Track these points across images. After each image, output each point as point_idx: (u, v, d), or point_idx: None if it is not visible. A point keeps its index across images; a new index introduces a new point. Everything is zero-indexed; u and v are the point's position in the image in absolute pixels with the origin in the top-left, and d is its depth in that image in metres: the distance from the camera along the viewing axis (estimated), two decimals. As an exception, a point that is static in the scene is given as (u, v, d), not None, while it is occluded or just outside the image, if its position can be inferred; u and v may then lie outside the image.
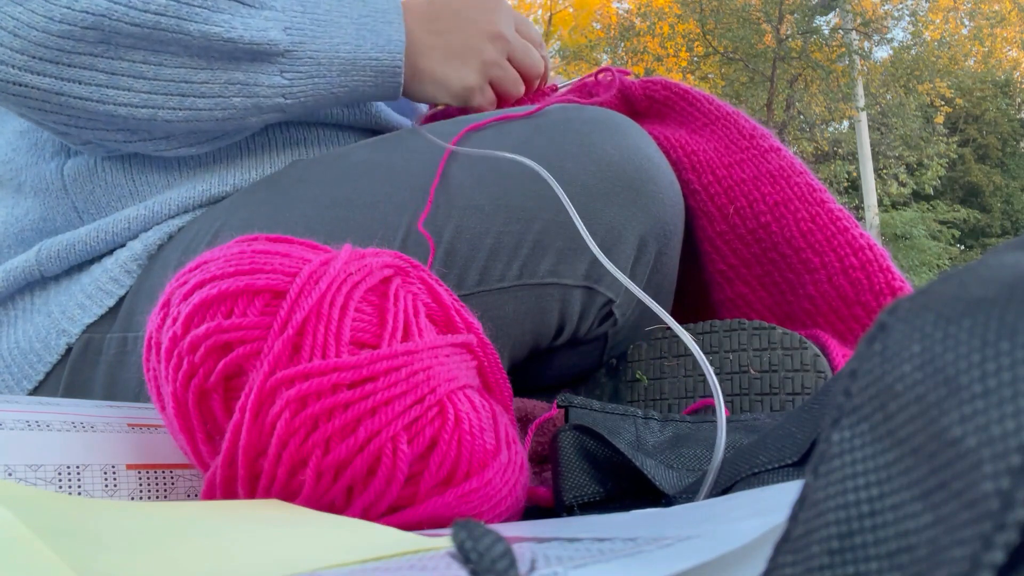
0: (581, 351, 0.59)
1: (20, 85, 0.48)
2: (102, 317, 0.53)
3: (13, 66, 0.48)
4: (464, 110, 0.65)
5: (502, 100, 0.65)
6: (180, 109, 0.51)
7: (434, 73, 0.60)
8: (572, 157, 0.52)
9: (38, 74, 0.48)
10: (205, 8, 0.50)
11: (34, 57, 0.48)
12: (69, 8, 0.47)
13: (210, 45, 0.50)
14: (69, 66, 0.48)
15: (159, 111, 0.50)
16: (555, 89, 0.70)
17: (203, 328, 0.32)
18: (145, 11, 0.48)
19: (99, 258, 0.56)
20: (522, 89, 0.65)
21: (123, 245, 0.55)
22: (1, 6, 0.47)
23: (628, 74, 0.68)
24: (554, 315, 0.54)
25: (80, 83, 0.49)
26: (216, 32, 0.50)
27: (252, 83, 0.52)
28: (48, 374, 0.53)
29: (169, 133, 0.53)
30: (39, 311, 0.55)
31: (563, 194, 0.46)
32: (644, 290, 0.58)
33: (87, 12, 0.47)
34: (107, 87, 0.49)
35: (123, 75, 0.49)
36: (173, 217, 0.56)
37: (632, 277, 0.55)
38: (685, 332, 0.38)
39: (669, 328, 0.57)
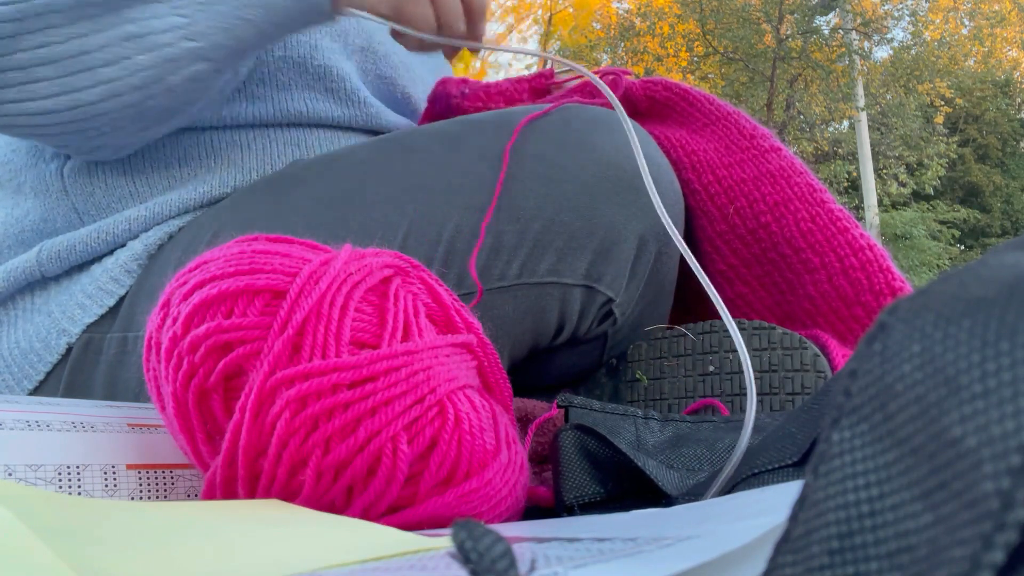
0: (581, 351, 0.59)
1: None
2: (102, 317, 0.53)
3: None
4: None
5: (441, 27, 0.57)
6: (94, 85, 0.48)
7: None
8: (573, 157, 0.52)
9: None
10: None
11: None
12: None
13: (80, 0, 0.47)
14: None
15: (78, 94, 0.48)
16: (550, 77, 0.69)
17: (203, 328, 0.32)
18: None
19: (99, 258, 0.56)
20: (462, 23, 0.57)
21: (123, 245, 0.55)
22: None
23: (628, 74, 0.68)
24: (554, 314, 0.54)
25: (5, 87, 0.47)
26: None
27: (148, 32, 0.49)
28: (48, 374, 0.53)
29: (104, 124, 0.50)
30: (39, 311, 0.55)
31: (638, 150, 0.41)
32: (644, 290, 0.58)
33: None
34: (27, 83, 0.48)
35: (31, 66, 0.47)
36: (173, 217, 0.56)
37: (632, 277, 0.55)
38: (735, 329, 0.38)
39: (670, 328, 0.57)
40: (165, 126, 0.54)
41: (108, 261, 0.55)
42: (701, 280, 0.41)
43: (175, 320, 0.33)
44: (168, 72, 0.50)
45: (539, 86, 0.70)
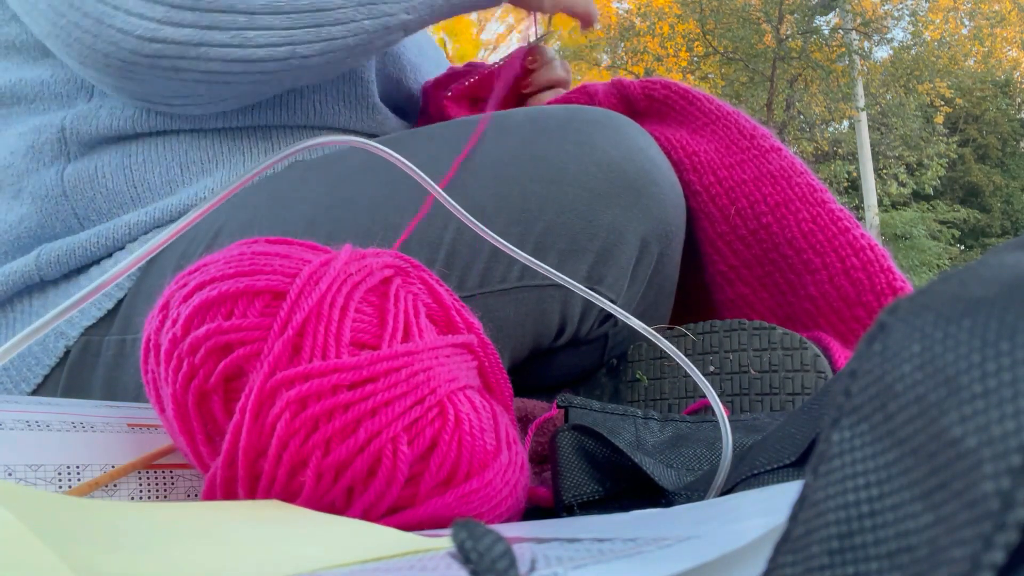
0: (582, 351, 0.59)
1: (159, 42, 0.47)
2: (100, 319, 0.53)
3: (153, 19, 0.46)
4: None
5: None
6: (317, 41, 0.50)
7: None
8: (574, 158, 0.52)
9: (178, 25, 0.47)
10: None
11: (174, 6, 0.46)
12: None
13: None
14: (209, 11, 0.47)
15: (297, 47, 0.50)
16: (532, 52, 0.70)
17: (203, 329, 0.32)
18: None
19: (98, 261, 0.55)
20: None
21: (122, 248, 0.55)
22: None
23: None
24: (555, 316, 0.54)
25: (220, 29, 0.47)
26: None
27: (381, 1, 0.52)
28: (46, 377, 0.53)
29: (297, 76, 0.52)
30: (37, 314, 0.55)
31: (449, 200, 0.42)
32: (646, 291, 0.58)
33: None
34: (247, 29, 0.48)
35: (262, 13, 0.48)
36: (173, 221, 0.56)
37: (634, 278, 0.55)
38: (650, 331, 0.38)
39: (670, 328, 0.57)
40: (327, 78, 0.57)
41: (107, 264, 0.54)
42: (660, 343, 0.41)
43: (175, 322, 0.33)
44: (378, 38, 0.53)
45: (524, 65, 0.70)
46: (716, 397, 0.37)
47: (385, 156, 0.35)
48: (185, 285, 0.34)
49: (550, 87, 0.72)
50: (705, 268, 0.63)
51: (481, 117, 0.55)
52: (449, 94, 0.69)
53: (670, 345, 0.37)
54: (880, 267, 0.54)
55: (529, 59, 0.71)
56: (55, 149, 0.56)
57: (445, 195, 0.39)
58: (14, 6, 0.52)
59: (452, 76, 0.72)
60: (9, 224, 0.57)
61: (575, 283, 0.40)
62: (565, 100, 0.68)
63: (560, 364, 0.60)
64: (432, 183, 0.38)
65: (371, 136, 0.66)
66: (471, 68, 0.72)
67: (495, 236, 0.38)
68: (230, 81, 0.51)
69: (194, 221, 0.32)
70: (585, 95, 0.67)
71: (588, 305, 0.54)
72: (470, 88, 0.70)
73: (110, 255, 0.55)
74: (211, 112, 0.56)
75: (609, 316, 0.56)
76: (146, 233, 0.55)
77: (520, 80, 0.72)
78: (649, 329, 0.39)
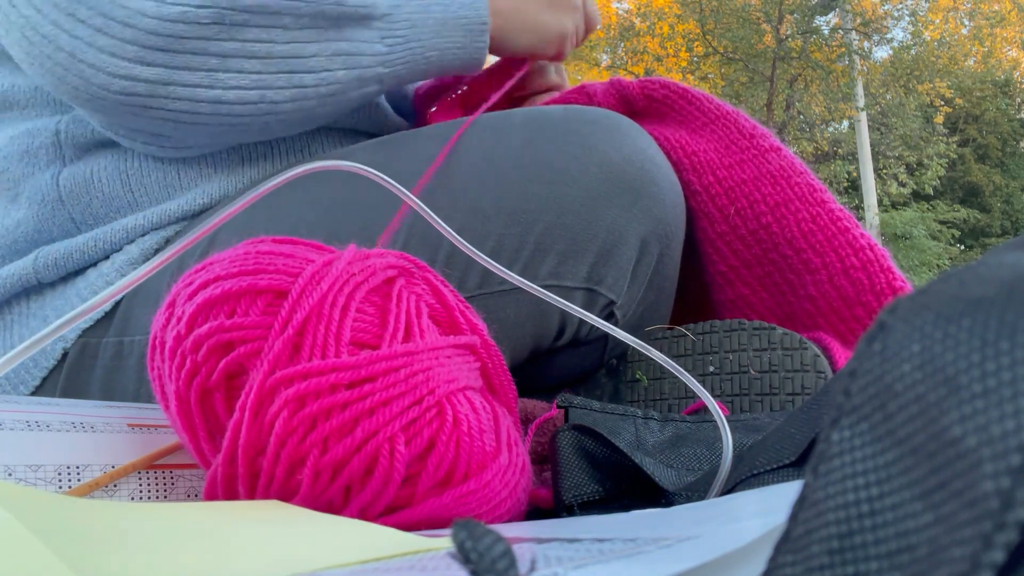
0: (582, 352, 0.59)
1: (128, 79, 0.47)
2: (98, 322, 0.53)
3: (124, 58, 0.46)
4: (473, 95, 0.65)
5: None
6: (288, 87, 0.50)
7: (532, 19, 0.62)
8: (574, 159, 0.52)
9: (148, 65, 0.46)
10: None
11: (146, 47, 0.46)
12: None
13: (320, 11, 0.50)
14: (181, 53, 0.47)
15: (268, 92, 0.50)
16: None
17: (206, 327, 0.32)
18: None
19: (95, 263, 0.55)
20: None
21: (120, 250, 0.55)
22: None
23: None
24: (555, 317, 0.54)
25: (191, 70, 0.47)
26: None
27: (356, 52, 0.52)
28: (44, 379, 0.53)
29: (267, 123, 0.52)
30: (35, 316, 0.55)
31: (419, 203, 0.43)
32: (645, 292, 0.58)
33: None
34: (218, 71, 0.48)
35: (235, 56, 0.48)
36: (171, 223, 0.56)
37: (634, 279, 0.55)
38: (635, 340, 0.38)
39: (670, 328, 0.57)
40: (298, 130, 0.56)
41: (104, 266, 0.54)
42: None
43: (179, 319, 0.33)
44: (352, 89, 0.53)
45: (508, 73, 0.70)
46: (712, 399, 0.37)
47: (357, 172, 0.36)
48: (190, 283, 0.34)
49: (544, 91, 0.72)
50: (705, 268, 0.63)
51: (470, 119, 0.55)
52: (434, 110, 0.69)
53: (658, 352, 0.37)
54: (880, 267, 0.54)
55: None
56: (50, 153, 0.56)
57: (416, 199, 0.39)
58: None
59: (440, 87, 0.72)
60: (6, 227, 0.57)
61: (535, 286, 0.41)
62: (564, 100, 0.68)
63: (560, 364, 0.60)
64: (403, 189, 0.39)
65: (374, 135, 0.66)
66: (459, 78, 0.71)
67: (462, 240, 0.38)
68: (198, 123, 0.50)
69: (194, 242, 0.32)
70: (584, 95, 0.67)
71: (588, 306, 0.54)
72: (458, 99, 0.70)
73: (107, 258, 0.55)
74: (172, 156, 0.55)
75: (609, 316, 0.56)
76: (144, 236, 0.55)
77: (513, 85, 0.72)
78: (631, 337, 0.39)
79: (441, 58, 0.57)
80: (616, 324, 0.57)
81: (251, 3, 0.48)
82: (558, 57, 0.67)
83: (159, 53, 0.47)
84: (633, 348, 0.57)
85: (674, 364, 0.39)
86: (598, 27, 0.70)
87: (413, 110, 0.74)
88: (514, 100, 0.73)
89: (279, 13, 0.49)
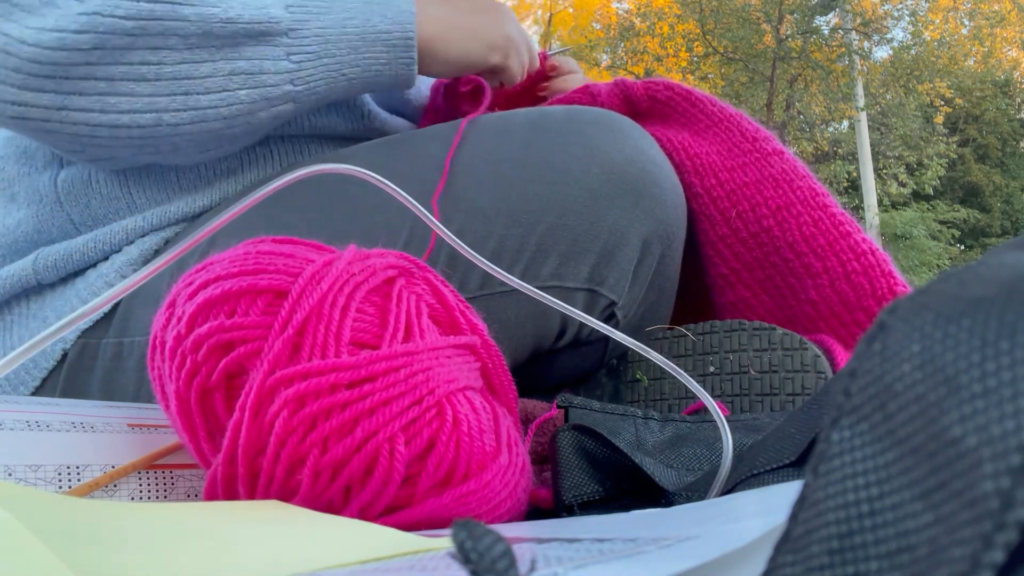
0: (582, 352, 0.59)
1: (20, 105, 0.46)
2: (98, 322, 0.53)
3: (11, 85, 0.46)
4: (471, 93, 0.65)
5: (504, 85, 0.66)
6: (184, 110, 0.49)
7: (472, 24, 0.59)
8: (576, 160, 0.52)
9: (37, 91, 0.46)
10: None
11: (31, 75, 0.46)
12: (62, 14, 0.45)
13: (209, 29, 0.48)
14: (67, 78, 0.46)
15: (163, 114, 0.48)
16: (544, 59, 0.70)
17: (206, 327, 0.32)
18: (137, 0, 0.46)
19: (95, 264, 0.55)
20: (520, 78, 0.66)
21: (119, 251, 0.55)
22: None
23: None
24: (556, 319, 0.54)
25: (81, 94, 0.47)
26: (213, 13, 0.48)
27: (257, 71, 0.50)
28: (44, 380, 0.53)
29: (175, 144, 0.51)
30: (35, 316, 0.55)
31: (415, 204, 0.42)
32: (646, 293, 0.58)
33: (80, 14, 0.45)
34: (108, 95, 0.47)
35: (123, 80, 0.47)
36: (171, 225, 0.56)
37: (635, 279, 0.55)
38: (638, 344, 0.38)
39: (671, 328, 0.57)
40: (219, 152, 0.55)
41: (104, 267, 0.54)
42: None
43: (180, 319, 0.33)
44: (260, 108, 0.51)
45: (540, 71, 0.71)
46: (712, 399, 0.37)
47: (358, 176, 0.36)
48: (191, 283, 0.34)
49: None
50: (706, 271, 0.63)
51: (468, 119, 0.55)
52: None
53: (656, 354, 0.37)
54: (881, 271, 0.54)
55: (550, 65, 0.71)
56: (47, 154, 0.56)
57: (415, 200, 0.39)
58: None
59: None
60: (7, 227, 0.57)
61: (532, 287, 0.41)
62: (568, 100, 0.68)
63: (561, 364, 0.60)
64: (402, 192, 0.39)
65: (367, 140, 0.66)
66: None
67: (461, 242, 0.38)
68: (103, 145, 0.49)
69: (195, 244, 0.32)
70: (588, 95, 0.67)
71: (589, 307, 0.54)
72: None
73: (107, 259, 0.55)
74: (122, 168, 0.55)
75: (610, 317, 0.56)
76: (143, 237, 0.55)
77: (538, 84, 0.72)
78: (628, 338, 0.39)
79: (363, 75, 0.54)
80: (617, 325, 0.57)
81: (132, 26, 0.46)
82: (508, 70, 0.63)
83: (46, 80, 0.46)
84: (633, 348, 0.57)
85: (673, 365, 0.39)
86: (535, 67, 0.68)
87: (416, 113, 0.74)
88: (536, 100, 0.73)
89: (164, 35, 0.47)
